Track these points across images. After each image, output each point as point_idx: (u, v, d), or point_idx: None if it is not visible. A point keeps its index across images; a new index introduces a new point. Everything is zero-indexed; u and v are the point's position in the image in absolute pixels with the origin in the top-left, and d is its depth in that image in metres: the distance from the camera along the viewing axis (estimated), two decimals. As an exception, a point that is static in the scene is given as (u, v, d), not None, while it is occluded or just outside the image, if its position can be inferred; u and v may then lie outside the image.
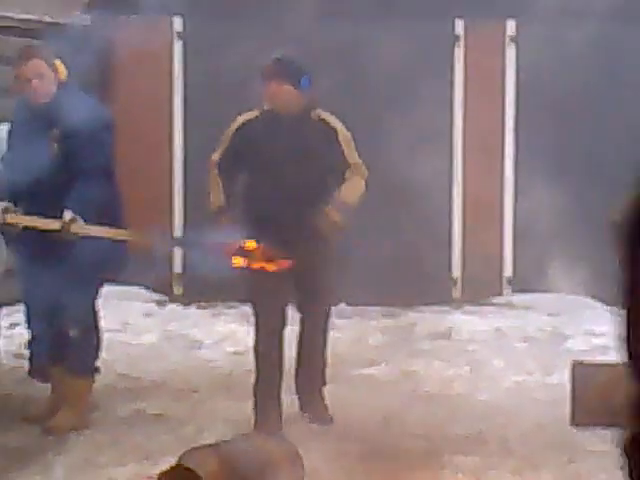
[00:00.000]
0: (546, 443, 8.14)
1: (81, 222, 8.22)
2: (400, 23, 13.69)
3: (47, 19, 13.83)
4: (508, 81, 14.26)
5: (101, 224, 8.39)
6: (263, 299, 8.39)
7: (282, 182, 8.29)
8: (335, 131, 8.52)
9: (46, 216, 8.39)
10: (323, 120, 8.49)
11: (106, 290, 11.34)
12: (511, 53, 14.03)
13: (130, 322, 12.02)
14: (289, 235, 8.23)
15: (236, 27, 13.13)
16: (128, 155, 12.45)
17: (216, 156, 8.73)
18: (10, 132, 9.12)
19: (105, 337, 9.76)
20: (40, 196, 8.35)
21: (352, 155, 8.56)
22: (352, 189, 8.49)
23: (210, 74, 13.70)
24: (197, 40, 14.01)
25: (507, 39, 14.06)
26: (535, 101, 13.71)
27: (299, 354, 8.77)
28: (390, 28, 13.48)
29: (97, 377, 9.04)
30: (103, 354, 9.37)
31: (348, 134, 8.64)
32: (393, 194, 13.61)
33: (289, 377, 8.60)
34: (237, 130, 8.57)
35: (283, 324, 8.45)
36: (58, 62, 8.80)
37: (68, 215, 8.11)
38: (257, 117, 8.57)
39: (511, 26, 14.03)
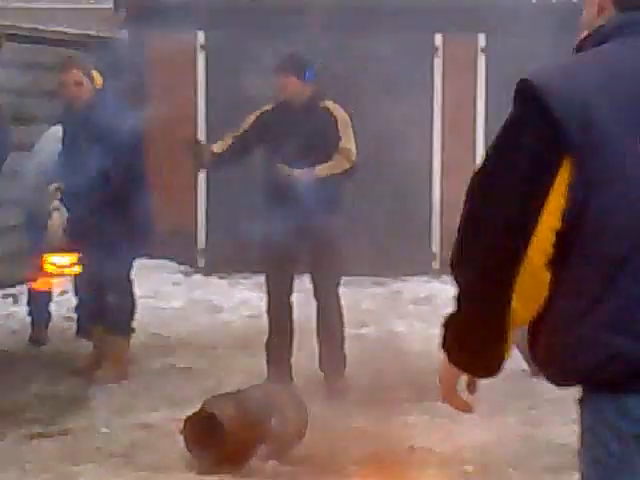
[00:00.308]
0: (510, 392, 8.19)
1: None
2: (389, 36, 13.51)
3: (91, 33, 14.05)
4: (479, 84, 14.28)
5: (129, 199, 8.73)
6: (273, 271, 8.55)
7: (287, 159, 8.37)
8: (335, 119, 8.62)
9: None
10: (327, 109, 8.62)
11: (141, 263, 11.72)
12: (482, 62, 14.15)
13: (161, 290, 12.22)
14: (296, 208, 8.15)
15: (252, 39, 12.97)
16: (159, 148, 12.80)
17: (235, 133, 8.97)
18: (63, 130, 9.30)
19: (139, 302, 9.96)
20: (82, 179, 8.48)
21: (346, 141, 8.60)
22: (328, 167, 8.53)
23: (229, 80, 13.45)
24: (217, 51, 13.94)
25: (479, 50, 14.14)
26: (502, 97, 13.33)
27: (318, 322, 8.69)
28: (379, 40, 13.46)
29: (133, 336, 9.26)
30: (138, 317, 9.55)
31: (348, 123, 8.70)
32: (382, 180, 13.69)
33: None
34: (256, 117, 8.81)
35: (290, 292, 8.54)
36: (94, 72, 8.99)
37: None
38: (273, 108, 8.77)
39: (482, 39, 14.05)
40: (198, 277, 13.27)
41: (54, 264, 8.66)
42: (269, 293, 8.68)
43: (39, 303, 10.10)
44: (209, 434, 6.58)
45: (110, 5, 15.30)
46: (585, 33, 3.12)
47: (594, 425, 3.03)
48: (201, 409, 6.70)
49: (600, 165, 2.77)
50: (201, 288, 12.65)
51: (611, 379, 2.88)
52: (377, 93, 13.53)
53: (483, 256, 2.91)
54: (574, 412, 6.93)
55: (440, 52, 14.39)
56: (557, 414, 7.77)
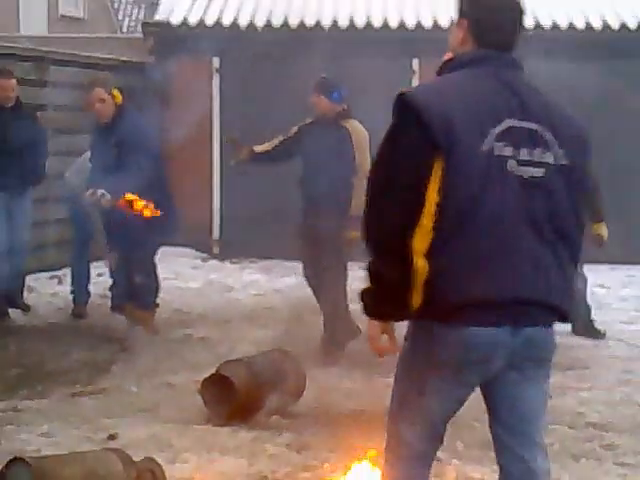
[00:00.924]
0: None
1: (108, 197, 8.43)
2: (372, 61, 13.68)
3: (121, 58, 14.11)
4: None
5: (147, 200, 8.51)
6: (304, 256, 8.61)
7: (314, 170, 8.36)
8: (351, 137, 8.42)
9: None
10: (346, 127, 8.46)
11: (165, 250, 11.73)
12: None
13: (181, 272, 12.25)
14: (319, 207, 8.25)
15: (259, 64, 13.04)
16: (178, 157, 12.76)
17: (281, 138, 8.83)
18: (91, 139, 9.38)
19: (163, 283, 10.08)
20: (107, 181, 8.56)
21: (361, 158, 8.32)
22: (358, 203, 7.61)
23: (240, 99, 13.68)
24: (230, 74, 13.94)
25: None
26: None
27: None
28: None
29: (157, 311, 9.37)
30: (162, 295, 9.67)
31: (363, 140, 8.46)
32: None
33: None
34: (298, 129, 8.71)
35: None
36: (115, 90, 8.91)
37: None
38: (310, 122, 8.68)
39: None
40: (213, 262, 13.27)
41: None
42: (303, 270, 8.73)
43: (80, 283, 10.14)
44: (223, 393, 6.59)
45: (140, 35, 15.32)
46: (448, 56, 3.66)
47: (416, 343, 3.52)
48: (216, 372, 6.71)
49: (456, 159, 3.29)
50: (216, 271, 12.63)
51: (432, 312, 3.35)
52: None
53: (391, 224, 3.34)
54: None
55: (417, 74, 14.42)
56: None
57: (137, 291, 9.32)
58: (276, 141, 8.83)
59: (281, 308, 9.12)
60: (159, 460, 5.00)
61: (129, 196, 8.42)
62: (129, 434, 6.12)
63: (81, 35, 22.17)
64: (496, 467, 5.52)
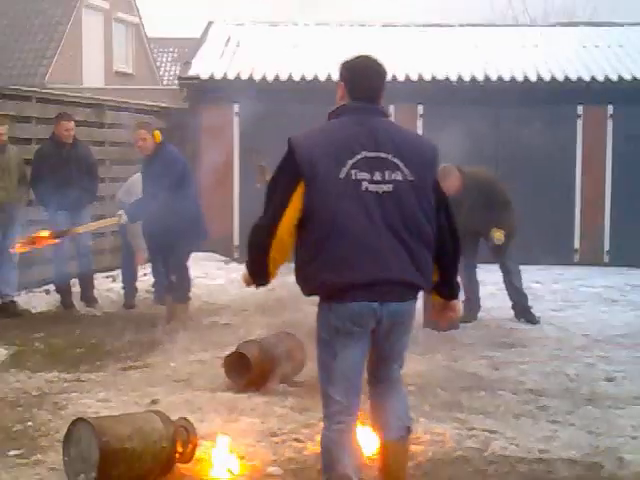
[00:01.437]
0: (439, 339, 7.99)
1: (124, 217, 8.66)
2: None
3: (162, 105, 14.13)
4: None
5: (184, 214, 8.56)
6: None
7: None
8: None
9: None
10: None
11: (197, 255, 11.70)
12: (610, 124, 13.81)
13: (209, 272, 12.09)
14: None
15: (270, 108, 12.92)
16: (207, 182, 12.79)
17: None
18: (142, 169, 9.30)
19: (195, 280, 10.06)
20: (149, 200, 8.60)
21: None
22: None
23: (255, 137, 13.50)
24: (247, 116, 13.66)
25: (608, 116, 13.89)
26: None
27: None
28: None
29: (190, 302, 9.23)
30: (194, 290, 9.65)
31: None
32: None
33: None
34: None
35: None
36: (156, 131, 8.89)
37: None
38: None
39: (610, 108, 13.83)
40: (234, 264, 13.03)
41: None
42: None
43: (129, 281, 10.12)
44: (241, 366, 6.58)
45: (177, 87, 15.33)
46: (335, 107, 3.97)
47: (320, 319, 3.86)
48: (235, 350, 6.70)
49: (317, 185, 3.68)
50: (235, 271, 12.21)
51: (325, 294, 3.79)
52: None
53: (255, 234, 3.86)
54: (481, 352, 6.80)
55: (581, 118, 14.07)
56: (469, 354, 7.74)
57: (174, 287, 9.23)
58: None
59: (287, 300, 9.06)
60: (191, 419, 4.99)
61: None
62: (168, 399, 6.12)
63: (130, 87, 22.18)
64: (455, 424, 5.62)
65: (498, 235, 8.68)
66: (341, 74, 3.98)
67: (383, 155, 3.74)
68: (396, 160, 3.74)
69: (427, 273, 3.86)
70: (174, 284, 9.25)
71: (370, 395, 4.11)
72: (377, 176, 3.70)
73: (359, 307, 3.71)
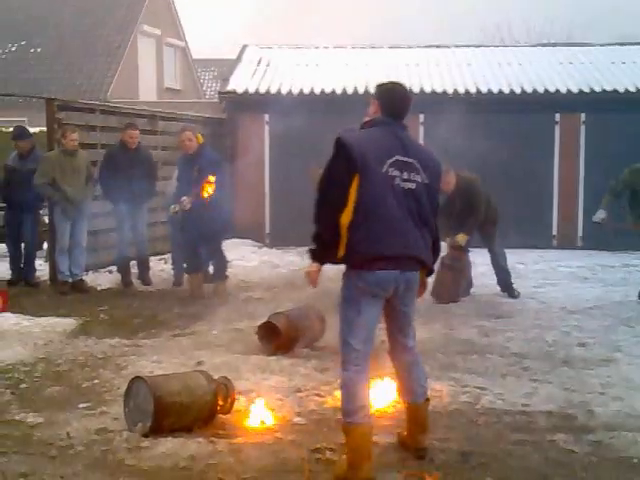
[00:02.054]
0: (437, 311, 8.06)
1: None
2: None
3: (205, 115, 14.12)
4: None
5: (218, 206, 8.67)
6: None
7: None
8: None
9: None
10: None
11: (235, 241, 11.78)
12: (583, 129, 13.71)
13: (245, 255, 12.05)
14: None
15: (295, 117, 12.86)
16: (242, 179, 12.84)
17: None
18: (178, 167, 9.33)
19: (233, 262, 10.12)
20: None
21: None
22: None
23: (283, 141, 13.49)
24: (277, 125, 13.65)
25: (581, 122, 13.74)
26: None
27: None
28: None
29: (228, 281, 9.31)
30: (231, 270, 9.68)
31: None
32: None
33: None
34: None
35: None
36: (199, 134, 8.96)
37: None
38: None
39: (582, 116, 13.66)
40: (265, 249, 13.12)
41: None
42: None
43: (178, 263, 10.07)
44: (271, 334, 6.60)
45: (217, 100, 15.33)
46: (367, 119, 4.22)
47: (346, 283, 4.05)
48: (266, 320, 6.71)
49: (367, 175, 3.93)
50: (267, 255, 12.47)
51: (359, 263, 3.97)
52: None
53: (329, 204, 3.98)
54: (473, 322, 6.75)
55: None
56: (463, 323, 7.71)
57: (215, 268, 9.37)
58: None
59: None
60: (229, 378, 5.00)
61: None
62: (210, 361, 6.14)
63: (178, 100, 22.22)
64: (451, 382, 5.62)
65: (460, 239, 8.79)
66: (377, 94, 4.27)
67: (410, 160, 4.04)
68: (417, 166, 4.06)
69: (429, 253, 4.21)
70: (215, 266, 9.37)
71: (396, 368, 4.38)
72: (405, 175, 4.01)
73: (386, 274, 3.98)
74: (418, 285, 4.21)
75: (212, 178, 8.69)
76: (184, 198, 8.69)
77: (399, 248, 3.99)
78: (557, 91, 13.80)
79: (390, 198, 3.96)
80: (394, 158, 3.99)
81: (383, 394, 5.27)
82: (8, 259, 9.85)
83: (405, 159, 4.02)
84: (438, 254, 4.39)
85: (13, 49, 22.35)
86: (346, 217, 3.92)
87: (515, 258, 10.25)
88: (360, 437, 3.93)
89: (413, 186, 4.03)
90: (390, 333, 4.32)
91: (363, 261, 3.96)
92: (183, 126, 10.06)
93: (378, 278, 3.97)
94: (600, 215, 8.89)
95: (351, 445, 3.95)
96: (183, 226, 8.97)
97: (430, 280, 4.73)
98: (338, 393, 5.29)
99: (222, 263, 9.27)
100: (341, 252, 3.97)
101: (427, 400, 4.36)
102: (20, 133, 9.81)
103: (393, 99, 4.21)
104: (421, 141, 13.74)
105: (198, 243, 9.03)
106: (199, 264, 9.19)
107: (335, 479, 3.95)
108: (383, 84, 4.32)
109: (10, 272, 9.77)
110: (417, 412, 4.31)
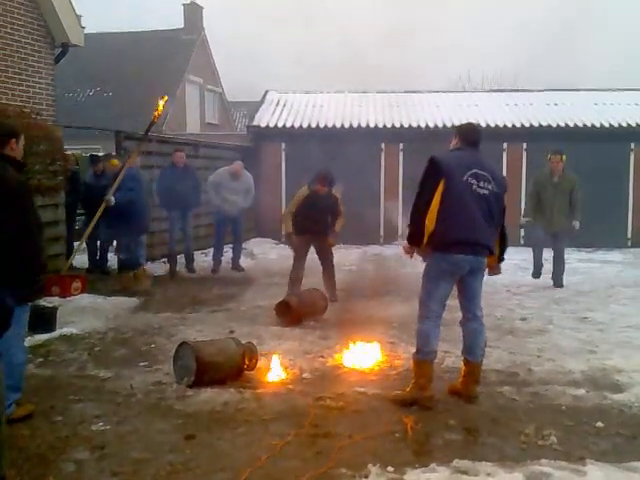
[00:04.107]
0: (415, 291, 8.10)
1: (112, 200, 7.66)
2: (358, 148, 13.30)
3: (236, 144, 14.00)
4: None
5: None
6: (298, 249, 7.65)
7: (315, 217, 7.37)
8: (337, 200, 7.41)
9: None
10: (334, 196, 7.40)
11: (258, 239, 11.76)
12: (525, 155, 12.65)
13: (266, 250, 12.03)
14: (317, 232, 7.43)
15: (308, 147, 12.80)
16: (264, 192, 12.72)
17: (292, 209, 7.52)
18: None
19: (258, 255, 10.15)
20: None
21: (341, 210, 7.41)
22: (339, 225, 7.48)
23: (296, 165, 13.26)
24: (291, 152, 13.71)
25: (523, 150, 13.57)
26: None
27: (323, 273, 7.72)
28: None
29: (254, 269, 9.40)
30: (255, 261, 9.70)
31: (341, 203, 7.47)
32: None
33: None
34: (304, 198, 7.40)
35: (304, 258, 7.67)
36: (115, 160, 8.47)
37: None
38: (309, 193, 7.40)
39: (524, 145, 13.53)
40: (282, 245, 12.88)
41: None
42: (294, 259, 7.75)
43: (216, 256, 10.03)
44: (286, 310, 6.56)
45: (245, 132, 15.30)
46: (452, 146, 4.37)
47: (432, 262, 4.17)
48: (283, 299, 6.69)
49: (451, 182, 4.06)
50: (283, 250, 12.10)
51: (443, 247, 4.09)
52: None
53: (418, 210, 4.10)
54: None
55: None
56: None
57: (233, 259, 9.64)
58: (289, 223, 7.55)
59: (316, 269, 9.04)
60: (254, 343, 5.00)
61: None
62: (240, 330, 6.12)
63: (216, 133, 22.21)
64: (454, 348, 5.50)
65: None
66: (457, 131, 4.41)
67: (484, 173, 4.18)
68: (489, 177, 4.19)
69: (494, 244, 4.32)
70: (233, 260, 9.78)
71: (464, 332, 4.43)
72: (480, 184, 4.14)
73: (463, 258, 4.11)
74: (485, 267, 4.30)
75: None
76: (109, 197, 7.76)
77: (473, 237, 4.10)
78: (505, 126, 13.76)
79: (468, 199, 4.07)
80: (473, 170, 4.12)
81: (370, 356, 5.25)
82: (87, 253, 9.85)
83: (481, 172, 4.16)
84: (505, 246, 4.46)
85: (91, 93, 22.39)
86: (431, 215, 4.03)
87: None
88: (427, 368, 4.23)
89: (486, 192, 4.15)
90: (462, 304, 4.37)
91: (446, 245, 4.07)
92: (108, 154, 9.57)
93: (457, 259, 4.10)
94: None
95: (419, 373, 4.23)
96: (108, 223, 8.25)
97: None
98: (337, 355, 5.33)
99: (137, 255, 8.39)
100: (423, 242, 4.09)
101: (481, 361, 4.44)
102: (106, 156, 9.60)
103: (469, 132, 4.37)
104: (400, 162, 13.84)
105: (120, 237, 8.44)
106: (136, 262, 8.38)
107: (403, 402, 4.18)
108: (464, 124, 4.61)
109: (88, 263, 9.77)
110: (474, 368, 4.38)
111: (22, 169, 3.77)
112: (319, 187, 7.37)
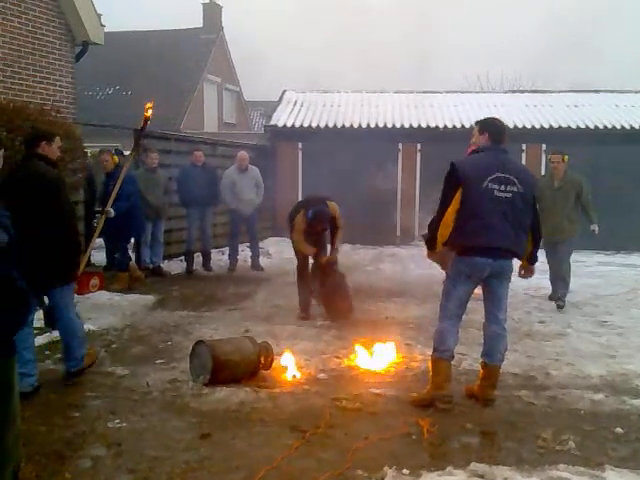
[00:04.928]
0: (432, 293, 7.85)
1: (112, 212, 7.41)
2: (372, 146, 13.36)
3: (253, 143, 14.04)
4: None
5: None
6: (300, 255, 6.97)
7: (314, 239, 6.86)
8: (336, 217, 6.74)
9: None
10: (332, 215, 6.68)
11: (275, 238, 11.65)
12: (543, 157, 13.56)
13: (282, 249, 11.39)
14: (319, 242, 6.91)
15: (323, 146, 12.83)
16: (280, 187, 12.79)
17: (299, 236, 6.83)
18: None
19: (274, 255, 10.11)
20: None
21: (340, 223, 6.81)
22: (339, 240, 6.91)
23: (312, 164, 13.34)
24: (307, 150, 13.69)
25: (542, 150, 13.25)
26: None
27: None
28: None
29: (271, 266, 9.36)
30: (271, 260, 9.67)
31: (340, 216, 6.84)
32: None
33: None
34: (304, 225, 6.64)
35: (308, 261, 7.06)
36: (114, 155, 8.40)
37: None
38: (307, 225, 6.68)
39: (543, 146, 13.58)
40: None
41: None
42: (298, 261, 7.18)
43: (233, 254, 10.04)
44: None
45: (262, 131, 15.31)
46: (473, 146, 4.34)
47: (454, 266, 4.15)
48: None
49: (468, 189, 4.01)
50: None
51: (463, 251, 4.09)
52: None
53: (436, 216, 4.09)
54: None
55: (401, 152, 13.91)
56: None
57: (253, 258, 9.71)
58: (305, 244, 6.93)
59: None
60: (270, 342, 5.00)
61: None
62: (255, 329, 6.11)
63: (234, 132, 22.27)
64: (470, 351, 5.46)
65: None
66: (484, 126, 4.25)
67: (507, 176, 4.06)
68: (514, 179, 4.08)
69: (521, 247, 4.20)
70: (252, 252, 9.83)
71: (485, 335, 4.38)
72: (502, 187, 4.04)
73: (482, 261, 4.08)
74: (510, 269, 4.21)
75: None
76: (108, 209, 7.38)
77: (493, 241, 4.04)
78: (524, 127, 13.61)
79: (487, 206, 4.00)
80: (494, 175, 4.03)
81: (386, 357, 5.22)
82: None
83: (503, 175, 4.05)
84: (537, 246, 4.36)
85: (110, 92, 22.53)
86: (447, 222, 4.02)
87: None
88: (444, 367, 4.21)
89: (509, 195, 4.05)
90: (486, 308, 4.32)
91: (464, 250, 4.07)
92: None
93: (475, 263, 4.07)
94: None
95: (437, 372, 4.21)
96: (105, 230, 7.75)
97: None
98: (353, 355, 5.30)
99: (124, 258, 8.38)
100: (438, 247, 4.09)
101: (500, 364, 4.37)
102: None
103: (497, 128, 4.22)
104: (418, 163, 13.76)
105: (114, 243, 8.49)
106: (126, 263, 8.37)
107: (421, 403, 4.19)
108: (487, 119, 4.34)
109: (106, 260, 9.83)
110: (492, 371, 4.33)
111: (55, 166, 4.39)
112: (317, 226, 6.77)
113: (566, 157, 7.65)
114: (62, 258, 4.27)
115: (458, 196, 4.02)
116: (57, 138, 4.48)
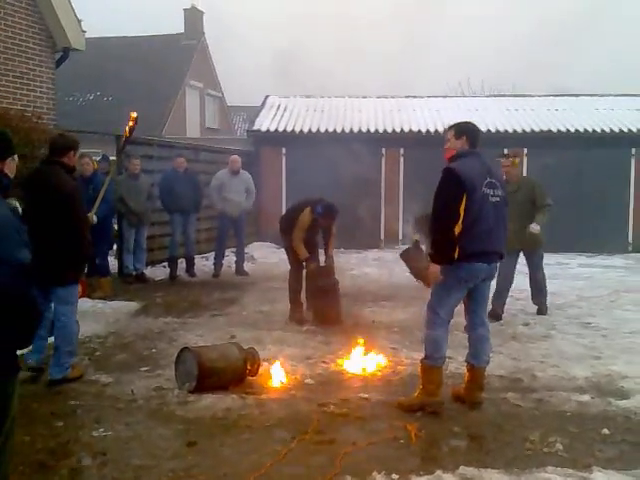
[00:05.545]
0: (415, 295, 7.76)
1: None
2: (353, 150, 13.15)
3: (236, 148, 13.93)
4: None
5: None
6: (294, 263, 6.97)
7: (313, 242, 6.87)
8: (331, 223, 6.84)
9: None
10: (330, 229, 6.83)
11: (259, 243, 11.67)
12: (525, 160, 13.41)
13: (267, 254, 11.86)
14: (313, 248, 6.85)
15: (306, 151, 12.85)
16: (266, 193, 12.73)
17: (301, 234, 6.69)
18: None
19: (259, 259, 10.07)
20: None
21: (334, 230, 6.82)
22: (332, 247, 6.84)
23: (296, 169, 13.37)
24: (291, 156, 13.70)
25: (525, 153, 13.23)
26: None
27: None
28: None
29: (255, 271, 9.31)
30: (257, 265, 9.62)
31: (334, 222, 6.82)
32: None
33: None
34: (309, 222, 6.64)
35: (302, 267, 6.88)
36: (94, 160, 8.42)
37: None
38: (312, 221, 6.65)
39: (525, 150, 13.29)
40: (282, 249, 12.87)
41: None
42: (290, 267, 7.13)
43: (217, 260, 10.00)
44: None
45: (245, 136, 15.29)
46: (452, 151, 4.24)
47: (449, 270, 4.05)
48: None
49: (471, 195, 4.00)
50: (283, 254, 11.99)
51: (465, 257, 4.03)
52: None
53: (445, 226, 4.00)
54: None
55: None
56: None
57: (238, 265, 9.66)
58: (303, 247, 6.82)
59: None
60: (256, 348, 4.97)
61: None
62: (241, 335, 6.08)
63: (216, 137, 22.21)
64: (456, 354, 5.41)
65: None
66: (463, 130, 4.25)
67: (494, 181, 4.16)
68: (498, 184, 4.19)
69: (505, 249, 4.31)
70: (237, 257, 9.75)
71: (470, 338, 4.40)
72: (492, 192, 4.12)
73: (480, 266, 4.11)
74: (496, 272, 4.36)
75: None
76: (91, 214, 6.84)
77: (491, 246, 4.12)
78: (505, 131, 13.73)
79: (487, 210, 4.07)
80: (487, 180, 4.11)
81: (374, 362, 5.22)
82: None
83: (492, 180, 4.15)
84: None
85: (91, 97, 22.36)
86: (458, 227, 4.00)
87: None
88: (436, 374, 4.21)
89: (498, 199, 4.16)
90: (471, 311, 4.35)
91: (467, 256, 4.04)
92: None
93: (475, 269, 4.10)
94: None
95: (429, 379, 4.20)
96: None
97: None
98: (340, 361, 5.30)
99: (105, 262, 8.25)
100: (456, 255, 4.02)
101: (486, 366, 4.41)
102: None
103: (474, 132, 4.28)
104: (401, 167, 13.83)
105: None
106: (108, 270, 8.34)
107: (410, 408, 4.16)
108: (462, 122, 4.35)
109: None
110: (478, 373, 4.35)
111: (72, 172, 4.75)
112: (325, 221, 6.77)
113: (517, 160, 7.28)
114: (70, 259, 4.52)
115: (462, 201, 4.00)
116: (79, 147, 4.84)
